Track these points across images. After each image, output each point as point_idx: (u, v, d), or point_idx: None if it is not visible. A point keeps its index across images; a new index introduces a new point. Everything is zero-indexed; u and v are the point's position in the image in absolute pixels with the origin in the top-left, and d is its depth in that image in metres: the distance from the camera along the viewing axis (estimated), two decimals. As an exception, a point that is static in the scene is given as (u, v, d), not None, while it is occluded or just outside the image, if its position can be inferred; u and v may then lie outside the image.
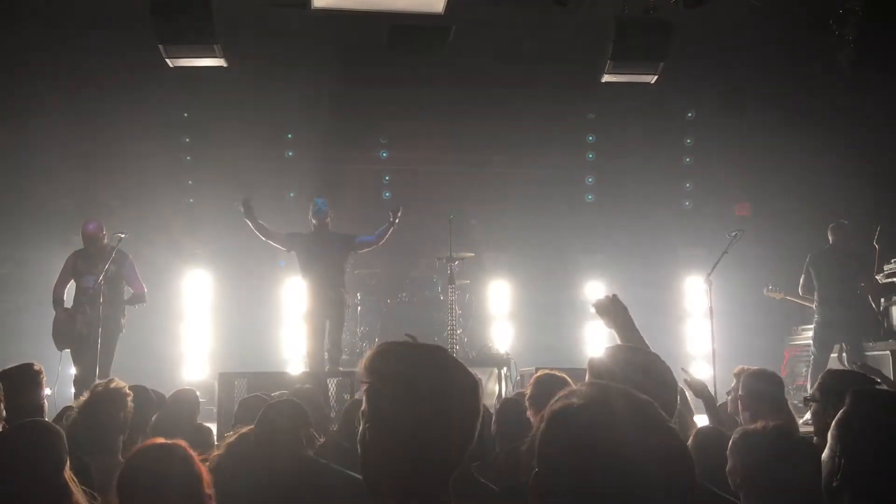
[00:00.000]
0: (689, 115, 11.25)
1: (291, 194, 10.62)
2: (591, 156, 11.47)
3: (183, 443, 2.66)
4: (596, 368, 2.35)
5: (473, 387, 1.57)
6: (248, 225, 7.94)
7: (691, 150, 11.35)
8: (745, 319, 9.32)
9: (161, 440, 2.69)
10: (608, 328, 3.00)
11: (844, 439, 1.68)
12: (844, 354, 7.87)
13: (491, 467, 3.71)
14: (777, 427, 2.63)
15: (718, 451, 2.76)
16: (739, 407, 3.94)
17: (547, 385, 3.51)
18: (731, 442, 2.69)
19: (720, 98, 10.46)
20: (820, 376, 3.21)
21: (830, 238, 8.21)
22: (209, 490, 2.68)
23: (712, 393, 5.50)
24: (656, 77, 7.97)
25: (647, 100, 9.88)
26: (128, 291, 7.81)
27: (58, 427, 2.85)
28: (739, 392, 3.97)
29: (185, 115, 10.56)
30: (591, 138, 11.43)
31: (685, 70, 9.03)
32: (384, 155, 11.20)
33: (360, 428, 1.54)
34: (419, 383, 1.51)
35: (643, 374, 2.26)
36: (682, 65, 8.59)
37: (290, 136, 10.80)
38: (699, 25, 8.19)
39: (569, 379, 3.59)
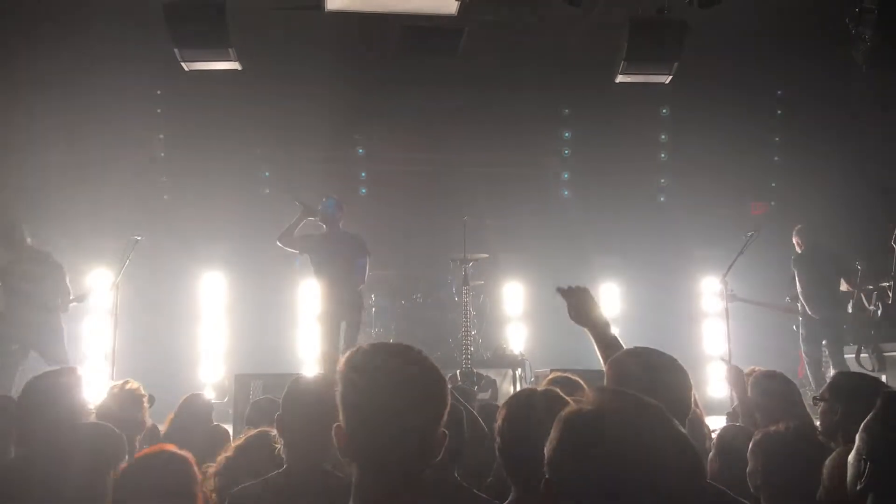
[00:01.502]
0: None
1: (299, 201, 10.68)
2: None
3: (185, 453, 2.72)
4: (617, 370, 2.35)
5: (439, 381, 1.62)
6: (292, 223, 7.94)
7: (707, 149, 11.30)
8: (761, 320, 9.26)
9: (167, 447, 2.75)
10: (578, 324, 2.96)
11: (871, 443, 1.66)
12: (863, 355, 7.83)
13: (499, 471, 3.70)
14: (798, 428, 2.61)
15: (743, 450, 2.74)
16: (755, 409, 3.91)
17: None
18: (751, 443, 2.68)
19: (736, 96, 10.41)
20: (831, 377, 3.19)
21: (802, 241, 8.61)
22: (210, 494, 2.73)
23: (728, 395, 5.48)
24: (671, 77, 7.93)
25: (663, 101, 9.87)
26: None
27: (120, 433, 2.95)
28: (750, 394, 3.94)
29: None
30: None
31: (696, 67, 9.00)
32: (362, 152, 11.13)
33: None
34: (382, 373, 1.57)
35: (662, 374, 2.26)
36: (697, 62, 8.55)
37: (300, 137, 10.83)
38: (714, 24, 8.14)
39: (581, 382, 3.58)
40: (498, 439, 2.41)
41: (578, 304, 2.98)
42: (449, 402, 1.62)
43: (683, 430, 1.32)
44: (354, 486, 1.58)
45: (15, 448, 3.84)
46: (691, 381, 2.41)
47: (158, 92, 10.05)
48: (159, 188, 10.10)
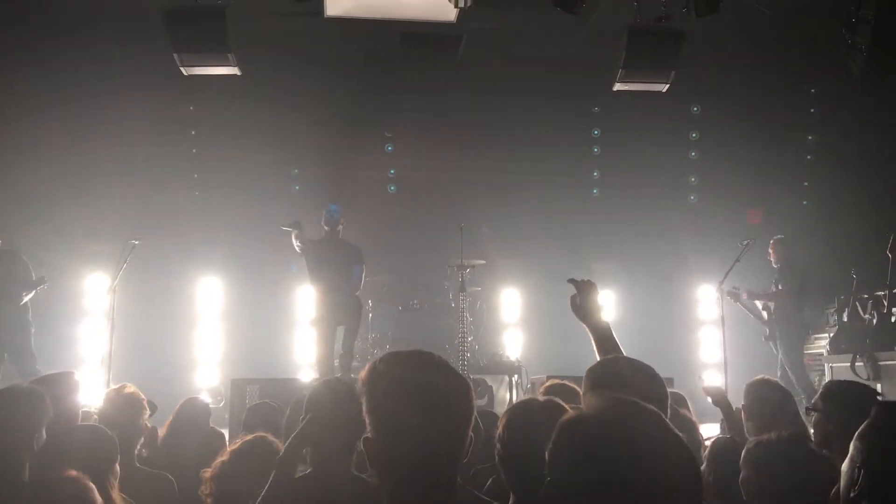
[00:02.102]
0: (694, 108, 11.21)
1: (296, 187, 10.71)
2: (596, 173, 11.48)
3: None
4: (593, 377, 2.37)
5: (465, 387, 1.63)
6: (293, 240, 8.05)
7: (701, 156, 11.35)
8: (757, 328, 9.28)
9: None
10: (581, 320, 2.97)
11: (866, 451, 1.68)
12: (858, 364, 7.84)
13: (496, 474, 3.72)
14: (791, 436, 2.62)
15: (733, 461, 2.76)
16: (743, 416, 3.93)
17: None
18: (744, 451, 2.69)
19: (730, 105, 10.45)
20: (822, 386, 3.21)
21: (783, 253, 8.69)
22: (206, 499, 2.77)
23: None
24: (668, 85, 7.97)
25: (655, 107, 9.90)
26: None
27: (112, 434, 2.96)
28: (744, 402, 3.96)
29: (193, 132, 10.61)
30: (595, 150, 11.44)
31: (693, 74, 9.04)
32: (390, 152, 11.19)
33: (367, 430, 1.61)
34: (412, 383, 1.58)
35: (638, 383, 2.28)
36: (693, 70, 8.59)
37: (299, 140, 10.86)
38: (711, 33, 8.18)
39: (578, 389, 3.60)
40: (498, 446, 2.44)
41: (584, 299, 2.97)
42: (475, 407, 1.63)
43: (680, 435, 1.34)
44: (388, 494, 1.58)
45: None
46: (667, 390, 2.43)
47: (157, 98, 10.05)
48: (157, 193, 10.09)
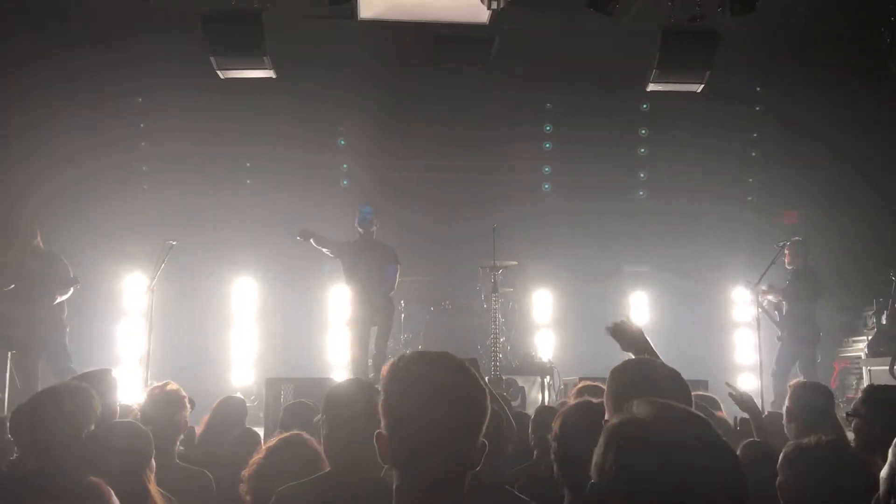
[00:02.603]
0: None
1: (345, 182, 10.79)
2: (642, 174, 11.39)
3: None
4: (617, 379, 2.37)
5: (481, 391, 1.64)
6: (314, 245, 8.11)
7: (745, 159, 11.20)
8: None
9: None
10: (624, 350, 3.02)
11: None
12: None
13: (530, 475, 3.73)
14: (831, 442, 2.58)
15: (764, 466, 2.73)
16: (785, 419, 3.88)
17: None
18: (782, 456, 2.65)
19: (769, 105, 10.33)
20: (863, 390, 3.16)
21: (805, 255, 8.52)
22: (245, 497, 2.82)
23: (759, 404, 5.42)
24: (703, 86, 7.89)
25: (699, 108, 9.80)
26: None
27: (147, 430, 3.01)
28: (787, 404, 3.91)
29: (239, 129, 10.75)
30: (642, 150, 11.34)
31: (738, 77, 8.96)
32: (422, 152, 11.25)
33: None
34: (426, 381, 1.59)
35: (661, 386, 2.28)
36: (734, 72, 8.51)
37: (341, 141, 10.93)
38: (747, 33, 8.09)
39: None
40: (554, 445, 2.47)
41: (624, 340, 3.02)
42: (489, 410, 1.63)
43: (728, 442, 1.34)
44: (395, 492, 1.60)
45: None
46: (691, 395, 2.42)
47: (193, 100, 10.19)
48: (193, 195, 10.24)
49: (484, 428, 1.62)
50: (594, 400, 2.63)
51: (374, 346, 8.01)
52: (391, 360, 1.67)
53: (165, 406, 3.88)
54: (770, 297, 8.50)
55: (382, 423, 1.61)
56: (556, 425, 2.47)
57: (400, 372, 1.63)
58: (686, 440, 1.29)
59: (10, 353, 7.74)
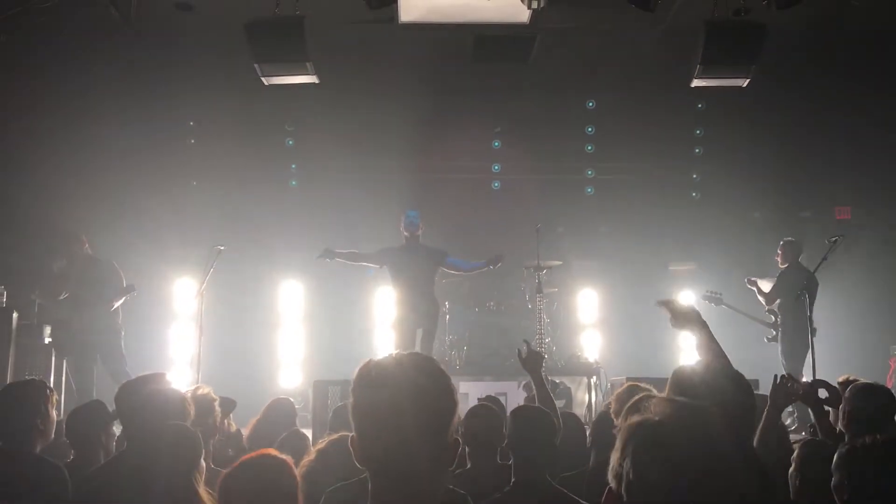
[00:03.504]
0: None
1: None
2: (698, 175, 11.25)
3: (288, 458, 2.80)
4: (676, 381, 2.35)
5: (443, 388, 1.63)
6: (340, 261, 8.23)
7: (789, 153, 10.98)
8: (846, 327, 8.96)
9: (269, 451, 2.85)
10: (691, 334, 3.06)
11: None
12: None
13: (584, 478, 3.73)
14: (889, 441, 2.51)
15: (824, 465, 2.66)
16: (843, 421, 3.77)
17: (626, 400, 3.50)
18: (836, 456, 2.58)
19: (817, 99, 10.10)
20: None
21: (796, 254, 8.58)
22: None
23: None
24: (748, 80, 7.75)
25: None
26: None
27: (195, 432, 3.08)
28: (845, 405, 3.80)
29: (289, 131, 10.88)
30: (697, 150, 11.17)
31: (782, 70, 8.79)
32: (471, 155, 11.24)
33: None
34: (383, 383, 1.61)
35: (719, 389, 2.25)
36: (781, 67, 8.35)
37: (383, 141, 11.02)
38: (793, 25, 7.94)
39: (654, 391, 3.55)
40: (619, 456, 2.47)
41: (674, 314, 3.09)
42: (456, 410, 1.64)
43: (746, 442, 1.33)
44: (371, 493, 1.61)
45: (105, 451, 4.04)
46: (755, 401, 2.38)
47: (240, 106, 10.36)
48: (242, 200, 10.42)
49: (451, 426, 1.62)
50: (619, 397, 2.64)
51: (419, 349, 8.04)
52: (360, 364, 1.69)
53: (197, 410, 3.95)
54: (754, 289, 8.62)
55: (353, 427, 1.63)
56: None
57: (365, 375, 1.65)
58: (699, 438, 1.29)
59: (65, 360, 8.00)
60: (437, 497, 1.61)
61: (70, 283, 7.90)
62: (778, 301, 8.51)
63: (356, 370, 1.68)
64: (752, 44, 7.47)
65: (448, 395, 1.64)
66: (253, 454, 2.90)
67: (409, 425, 1.57)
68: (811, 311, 7.75)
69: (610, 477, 1.40)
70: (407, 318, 8.03)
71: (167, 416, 3.37)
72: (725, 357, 2.89)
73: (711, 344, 2.93)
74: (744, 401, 2.34)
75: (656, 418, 1.37)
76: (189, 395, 4.15)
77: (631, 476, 1.35)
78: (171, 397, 3.66)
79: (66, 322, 7.91)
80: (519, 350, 4.59)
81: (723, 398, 2.17)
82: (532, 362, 4.42)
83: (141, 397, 3.59)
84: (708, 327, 3.05)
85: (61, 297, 7.90)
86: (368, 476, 1.62)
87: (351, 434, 1.63)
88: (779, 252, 8.65)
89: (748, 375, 2.61)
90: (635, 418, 1.41)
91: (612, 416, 3.82)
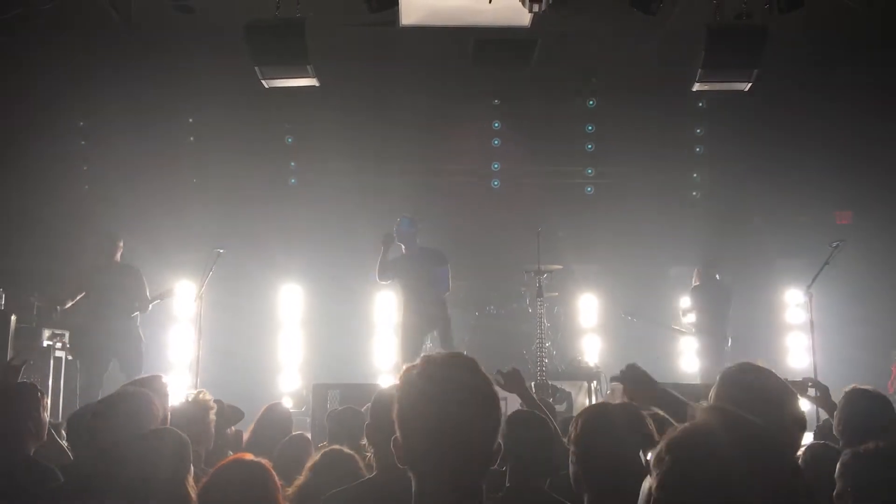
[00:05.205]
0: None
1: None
2: (696, 177, 11.23)
3: (265, 462, 2.77)
4: (721, 385, 2.31)
5: (492, 393, 1.63)
6: (381, 258, 8.07)
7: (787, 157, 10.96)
8: (848, 333, 8.93)
9: (246, 456, 2.82)
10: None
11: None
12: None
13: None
14: (892, 448, 2.49)
15: (829, 471, 2.64)
16: (838, 427, 3.75)
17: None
18: (839, 464, 2.56)
19: (815, 103, 10.08)
20: None
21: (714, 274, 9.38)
22: None
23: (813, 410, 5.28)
24: (750, 84, 7.73)
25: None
26: None
27: (185, 436, 3.06)
28: (840, 411, 3.77)
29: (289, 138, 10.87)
30: (698, 149, 11.14)
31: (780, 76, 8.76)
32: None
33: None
34: (432, 385, 1.59)
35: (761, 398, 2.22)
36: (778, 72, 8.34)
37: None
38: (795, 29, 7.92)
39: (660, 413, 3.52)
40: (573, 447, 2.44)
41: (634, 396, 2.90)
42: (501, 413, 1.64)
43: (787, 454, 1.31)
44: (414, 495, 1.60)
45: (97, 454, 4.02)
46: (800, 411, 2.34)
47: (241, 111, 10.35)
48: (240, 204, 10.40)
49: (497, 429, 1.62)
50: (612, 402, 2.62)
51: (442, 348, 7.99)
52: (404, 368, 1.67)
53: (190, 415, 3.93)
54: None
55: (397, 429, 1.61)
56: (573, 428, 2.43)
57: (412, 377, 1.63)
58: (737, 449, 1.27)
59: (78, 363, 7.94)
60: (480, 498, 1.60)
61: (94, 287, 7.81)
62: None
63: (401, 373, 1.66)
64: (754, 48, 7.45)
65: (497, 398, 1.64)
66: (225, 460, 2.89)
67: (466, 424, 1.56)
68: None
69: (653, 484, 1.38)
70: (410, 322, 8.01)
71: (137, 421, 3.31)
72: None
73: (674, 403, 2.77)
74: (794, 413, 2.31)
75: (696, 428, 1.35)
76: (190, 399, 4.13)
77: (672, 483, 1.32)
78: (139, 401, 3.59)
79: (84, 327, 7.84)
80: (496, 379, 4.31)
81: (780, 412, 2.16)
82: (513, 383, 4.14)
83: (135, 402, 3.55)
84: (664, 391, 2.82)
85: (78, 298, 7.78)
86: (413, 477, 1.60)
87: (394, 436, 1.62)
88: (695, 273, 9.37)
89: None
90: (675, 428, 1.40)
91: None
